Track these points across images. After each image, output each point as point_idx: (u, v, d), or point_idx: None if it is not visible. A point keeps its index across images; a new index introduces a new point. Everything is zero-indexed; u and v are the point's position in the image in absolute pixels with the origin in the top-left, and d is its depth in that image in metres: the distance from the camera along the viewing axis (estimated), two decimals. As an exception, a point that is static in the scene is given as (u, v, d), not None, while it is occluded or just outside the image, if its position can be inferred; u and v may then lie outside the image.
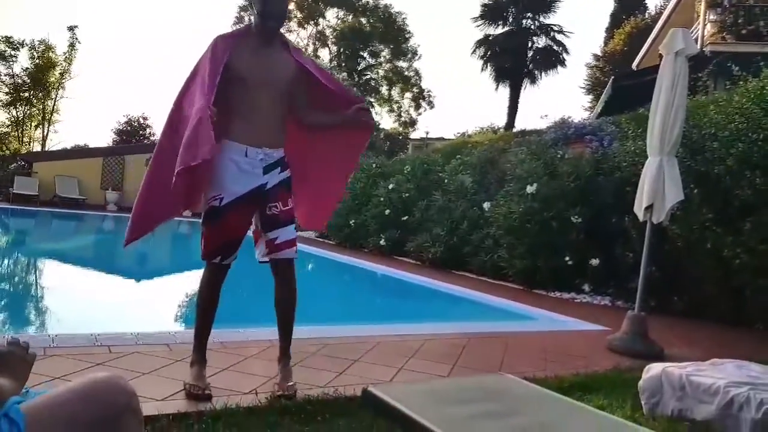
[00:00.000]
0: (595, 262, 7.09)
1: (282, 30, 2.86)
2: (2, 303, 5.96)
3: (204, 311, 2.76)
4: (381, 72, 34.87)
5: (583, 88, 30.18)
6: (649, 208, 4.35)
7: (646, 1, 31.59)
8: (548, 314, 5.83)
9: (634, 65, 19.22)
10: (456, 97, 55.94)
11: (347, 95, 2.97)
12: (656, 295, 6.00)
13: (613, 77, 13.79)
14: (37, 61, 23.91)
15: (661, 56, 4.49)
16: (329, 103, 2.89)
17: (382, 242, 10.84)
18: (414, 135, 34.28)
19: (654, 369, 2.62)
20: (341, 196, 3.20)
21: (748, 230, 5.48)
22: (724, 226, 5.69)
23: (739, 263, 5.48)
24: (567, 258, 7.22)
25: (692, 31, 13.24)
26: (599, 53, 29.85)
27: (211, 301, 2.76)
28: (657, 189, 4.28)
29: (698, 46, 10.70)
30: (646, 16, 28.75)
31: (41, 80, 24.01)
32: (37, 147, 25.04)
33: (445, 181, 10.28)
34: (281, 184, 2.74)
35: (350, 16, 34.30)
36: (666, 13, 17.46)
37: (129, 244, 2.75)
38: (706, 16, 13.35)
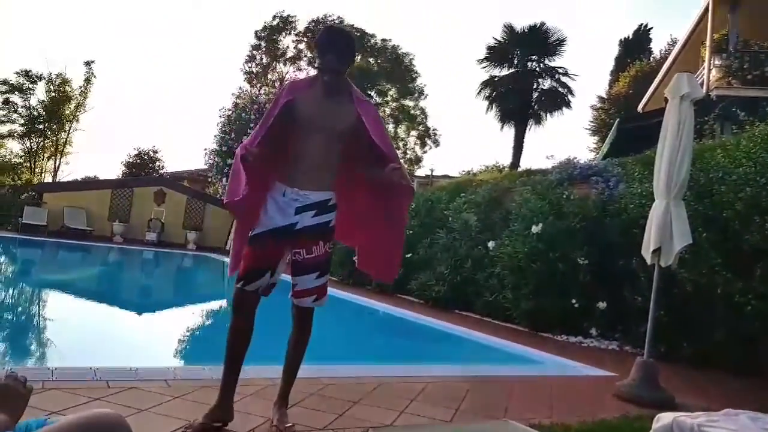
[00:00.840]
0: (602, 305, 6.98)
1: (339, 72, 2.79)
2: (4, 333, 5.90)
3: (231, 340, 2.71)
4: (387, 110, 35.29)
5: (588, 129, 30.40)
6: (657, 251, 4.30)
7: (650, 46, 32.12)
8: (555, 358, 5.71)
9: (639, 108, 19.40)
10: (461, 136, 56.44)
11: (390, 153, 2.84)
12: (665, 341, 5.88)
13: (618, 119, 13.91)
14: (54, 94, 24.42)
15: (666, 100, 4.51)
16: (379, 158, 2.83)
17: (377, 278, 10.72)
18: (419, 172, 34.44)
19: (664, 418, 2.53)
20: (400, 244, 3.07)
21: (759, 276, 5.40)
22: (733, 271, 5.62)
23: (750, 310, 5.38)
24: (573, 300, 7.12)
25: (697, 76, 13.38)
26: (604, 95, 30.18)
27: (238, 329, 2.71)
28: (664, 232, 4.24)
29: (704, 91, 10.80)
30: (651, 60, 29.15)
31: (56, 113, 24.49)
32: (48, 178, 25.33)
33: (450, 219, 10.24)
34: (312, 228, 2.75)
35: (359, 57, 34.95)
36: (671, 57, 17.69)
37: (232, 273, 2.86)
38: (712, 61, 13.50)
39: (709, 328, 5.86)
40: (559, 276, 7.14)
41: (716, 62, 13.44)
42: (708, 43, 13.84)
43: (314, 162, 2.74)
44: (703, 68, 13.97)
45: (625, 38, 32.28)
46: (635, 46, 31.17)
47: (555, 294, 7.17)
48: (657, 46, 35.31)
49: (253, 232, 2.76)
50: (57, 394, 2.83)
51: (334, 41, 2.75)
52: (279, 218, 2.73)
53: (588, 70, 59.70)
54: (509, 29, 26.43)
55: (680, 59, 16.49)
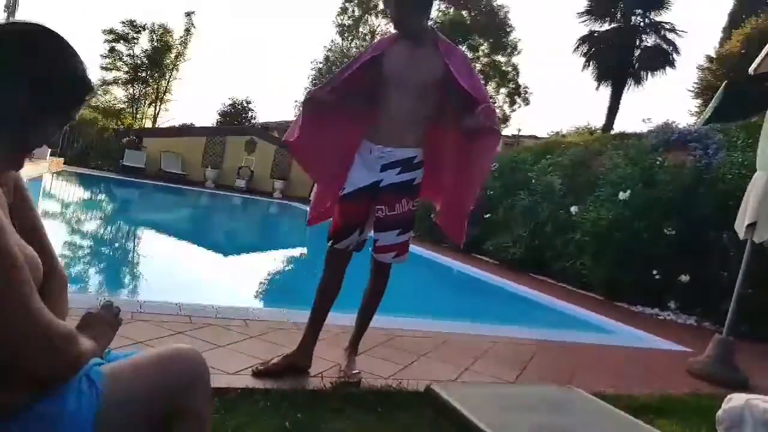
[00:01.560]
0: (684, 278, 6.67)
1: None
2: (101, 266, 6.45)
3: (319, 293, 2.85)
4: (479, 66, 34.28)
5: (692, 91, 28.21)
6: (752, 226, 4.04)
7: (771, 0, 29.09)
8: (628, 329, 5.57)
9: (750, 70, 17.74)
10: (553, 95, 54.20)
11: (478, 95, 2.71)
12: (748, 320, 5.54)
13: (726, 81, 12.84)
14: (156, 44, 25.55)
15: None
16: (470, 105, 2.70)
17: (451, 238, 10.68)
18: (505, 132, 33.57)
19: (736, 399, 2.44)
20: (469, 205, 2.90)
21: None
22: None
23: None
24: (654, 272, 6.84)
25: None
26: (713, 55, 27.81)
27: (327, 284, 2.84)
28: (763, 206, 3.97)
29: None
30: (771, 17, 26.43)
31: (158, 62, 25.66)
32: (148, 123, 26.80)
33: (533, 181, 9.98)
34: (396, 186, 2.75)
35: (452, 9, 33.95)
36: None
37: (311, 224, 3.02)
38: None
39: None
40: (642, 245, 6.86)
41: None
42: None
43: (400, 118, 2.73)
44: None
45: (743, -10, 29.36)
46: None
47: (636, 264, 6.91)
48: (780, 0, 31.88)
49: (343, 191, 2.79)
50: (143, 326, 3.05)
51: None
52: (366, 176, 2.76)
53: (697, 26, 55.18)
54: (614, -21, 24.72)
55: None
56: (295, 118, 2.89)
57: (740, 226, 4.16)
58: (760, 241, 4.05)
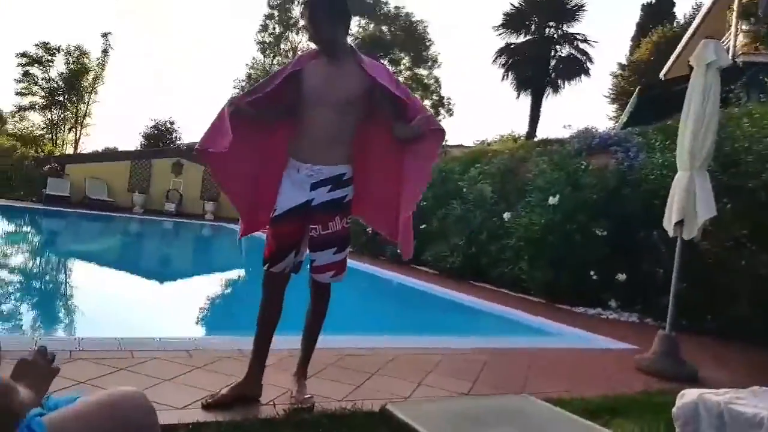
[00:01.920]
0: (621, 277, 6.91)
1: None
2: (33, 303, 6.04)
3: (260, 319, 2.77)
4: (401, 79, 34.65)
5: (608, 97, 29.85)
6: (680, 224, 4.22)
7: (674, 11, 31.20)
8: (573, 330, 5.68)
9: (661, 75, 18.92)
10: (476, 105, 55.73)
11: (412, 103, 2.78)
12: (688, 314, 5.81)
13: (639, 87, 13.57)
14: (72, 66, 24.48)
15: (691, 67, 4.37)
16: (406, 113, 2.75)
17: (399, 250, 10.72)
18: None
19: (689, 395, 2.50)
20: (409, 210, 2.80)
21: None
22: (759, 242, 5.51)
23: (774, 282, 5.30)
24: (592, 272, 7.06)
25: (723, 42, 12.97)
26: (624, 62, 29.50)
27: (266, 309, 2.76)
28: (688, 204, 4.16)
29: (730, 57, 10.47)
30: (675, 26, 28.34)
31: (75, 85, 24.60)
32: (69, 149, 25.56)
33: (464, 190, 10.15)
34: (328, 204, 2.70)
35: (371, 25, 34.40)
36: (695, 22, 17.16)
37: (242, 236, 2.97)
38: (739, 26, 13.07)
39: (733, 301, 5.79)
40: (576, 247, 7.08)
41: (743, 27, 13.00)
42: (735, 7, 13.38)
43: (325, 135, 2.68)
44: (730, 34, 13.54)
45: (648, 2, 31.38)
46: (658, 10, 30.30)
47: (572, 266, 7.12)
48: (681, 10, 34.34)
49: (274, 213, 2.74)
50: (84, 364, 2.89)
51: (318, 8, 2.66)
52: (296, 195, 2.70)
53: (608, 36, 58.41)
54: (527, -6, 25.81)
55: (705, 25, 15.99)
56: (212, 124, 2.69)
57: (669, 224, 4.34)
58: (689, 237, 4.23)
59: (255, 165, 2.86)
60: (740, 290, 5.69)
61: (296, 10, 33.41)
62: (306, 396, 2.71)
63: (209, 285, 8.86)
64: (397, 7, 34.37)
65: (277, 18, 33.56)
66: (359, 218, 3.12)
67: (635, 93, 13.12)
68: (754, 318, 5.59)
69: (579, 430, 2.25)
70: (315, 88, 2.67)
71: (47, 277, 7.87)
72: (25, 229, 14.23)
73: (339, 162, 2.72)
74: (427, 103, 35.20)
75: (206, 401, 2.56)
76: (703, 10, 16.72)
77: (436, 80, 35.16)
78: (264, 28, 33.76)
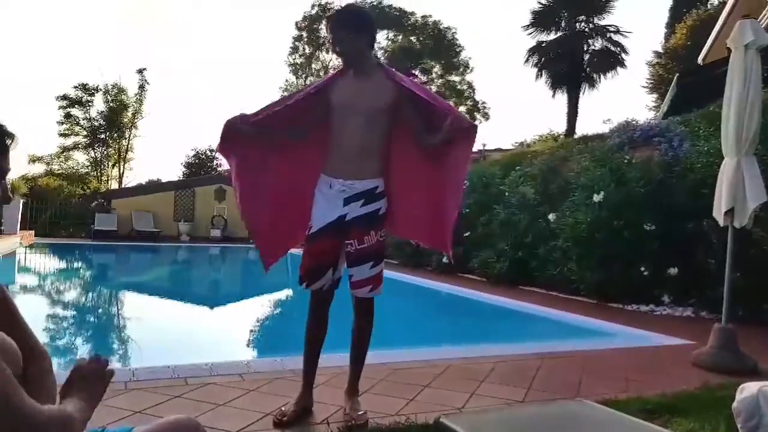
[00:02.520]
0: (673, 271, 6.73)
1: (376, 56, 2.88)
2: (86, 336, 6.25)
3: (306, 339, 2.84)
4: (434, 88, 34.86)
5: (646, 87, 29.04)
6: (730, 212, 4.09)
7: (707, -8, 30.27)
8: (626, 329, 5.55)
9: (699, 60, 18.33)
10: (512, 107, 55.00)
11: (442, 106, 2.78)
12: (744, 304, 5.60)
13: (678, 74, 13.20)
14: (111, 104, 25.40)
15: (729, 50, 4.25)
16: (438, 121, 2.71)
17: (445, 260, 10.71)
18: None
19: (749, 388, 2.41)
20: (455, 212, 2.83)
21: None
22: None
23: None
24: (642, 268, 6.89)
25: (760, 20, 12.51)
26: (660, 50, 28.73)
27: (311, 327, 2.82)
28: (737, 192, 4.03)
29: (770, 35, 10.08)
30: (708, 8, 27.48)
31: (115, 122, 25.47)
32: (114, 184, 26.47)
33: (506, 193, 10.06)
34: (362, 218, 2.72)
35: (400, 36, 34.61)
36: (730, 2, 16.60)
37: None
38: (776, 3, 12.58)
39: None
40: (625, 244, 6.91)
41: (782, 2, 12.51)
42: (772, -18, 12.90)
43: (355, 149, 2.70)
44: (766, 11, 13.05)
45: (679, -14, 30.51)
46: (690, -6, 29.43)
47: (622, 263, 6.95)
48: (714, -9, 33.24)
49: (309, 231, 2.77)
50: (139, 394, 2.96)
51: (340, 23, 2.70)
52: (330, 212, 2.72)
53: (641, 25, 56.88)
54: (553, -10, 25.47)
55: (740, 4, 15.44)
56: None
57: (719, 214, 4.21)
58: (740, 225, 4.09)
59: (280, 188, 2.91)
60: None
61: (324, 30, 33.99)
62: (360, 412, 2.72)
63: (258, 307, 9.01)
64: (424, 16, 34.50)
65: (306, 39, 34.15)
66: (402, 236, 3.15)
67: (674, 81, 12.77)
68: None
69: (638, 431, 2.19)
70: (343, 101, 2.71)
71: (100, 310, 8.13)
72: (75, 264, 14.72)
73: (371, 176, 2.74)
74: (462, 109, 35.12)
75: (277, 418, 2.63)
76: (739, -12, 16.16)
77: (470, 85, 35.05)
78: (294, 49, 34.41)
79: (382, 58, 35.03)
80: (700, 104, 8.42)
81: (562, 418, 2.36)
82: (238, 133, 2.75)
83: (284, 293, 10.65)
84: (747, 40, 4.03)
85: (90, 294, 9.75)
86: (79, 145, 25.83)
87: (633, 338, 5.17)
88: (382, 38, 35.31)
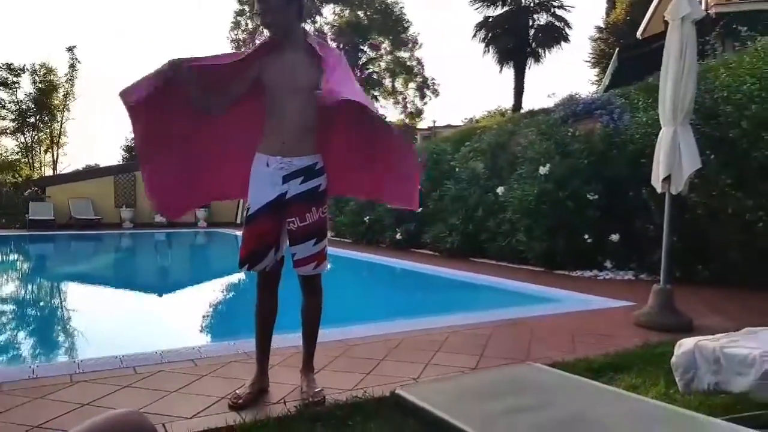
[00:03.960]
0: (615, 237, 7.02)
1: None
2: (27, 330, 6.00)
3: (257, 321, 2.82)
4: (383, 64, 34.62)
5: (589, 61, 29.72)
6: (667, 179, 4.26)
7: (644, -33, 31.03)
8: (572, 294, 5.76)
9: (638, 34, 18.88)
10: (461, 83, 55.54)
11: (359, 99, 2.59)
12: (680, 266, 5.90)
13: (618, 48, 13.58)
14: (40, 85, 24.07)
15: (666, 23, 4.38)
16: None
17: (398, 236, 10.80)
18: (421, 125, 34.07)
19: (686, 344, 2.56)
20: (417, 168, 2.78)
21: (769, 192, 5.36)
22: (743, 190, 5.57)
23: (762, 226, 5.36)
24: (586, 236, 7.14)
25: (695, -6, 12.91)
26: (602, 25, 29.39)
27: (260, 310, 2.80)
28: (673, 159, 4.19)
29: (703, 9, 10.46)
30: (646, -17, 28.20)
31: (46, 104, 24.17)
32: (48, 171, 25.28)
33: (457, 169, 10.18)
34: (303, 195, 2.67)
35: (347, 11, 34.11)
36: (666, -23, 17.08)
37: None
38: (708, -23, 13.03)
39: (724, 249, 5.86)
40: (570, 214, 7.14)
41: (713, -23, 12.97)
42: (703, -43, 13.34)
43: (292, 127, 2.63)
44: (701, -16, 13.50)
45: (617, -38, 31.14)
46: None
47: (567, 232, 7.19)
48: (651, -34, 34.09)
49: (248, 212, 2.71)
50: (86, 386, 2.87)
51: None
52: (269, 190, 2.66)
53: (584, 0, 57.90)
54: (497, -35, 25.55)
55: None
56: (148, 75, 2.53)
57: (656, 181, 4.38)
58: (677, 192, 4.27)
59: (194, 147, 2.81)
60: (729, 238, 5.75)
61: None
62: (316, 390, 2.73)
63: (209, 292, 8.85)
64: (369, -10, 34.01)
65: (248, 14, 33.19)
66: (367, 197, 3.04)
67: (614, 55, 13.12)
68: (744, 263, 5.67)
69: (585, 391, 2.28)
70: (278, 80, 2.62)
71: (40, 303, 7.78)
72: (11, 257, 14.04)
73: (308, 152, 2.69)
74: (411, 85, 35.06)
75: (232, 401, 2.61)
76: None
77: (419, 62, 34.94)
78: (236, 25, 33.40)
79: (330, 33, 34.52)
80: (639, 77, 8.69)
81: (513, 381, 2.43)
82: (180, 77, 2.54)
83: (235, 276, 10.50)
84: (683, 13, 4.16)
85: (29, 286, 9.34)
86: (7, 130, 24.45)
87: (578, 302, 5.36)
88: (329, 12, 34.72)
